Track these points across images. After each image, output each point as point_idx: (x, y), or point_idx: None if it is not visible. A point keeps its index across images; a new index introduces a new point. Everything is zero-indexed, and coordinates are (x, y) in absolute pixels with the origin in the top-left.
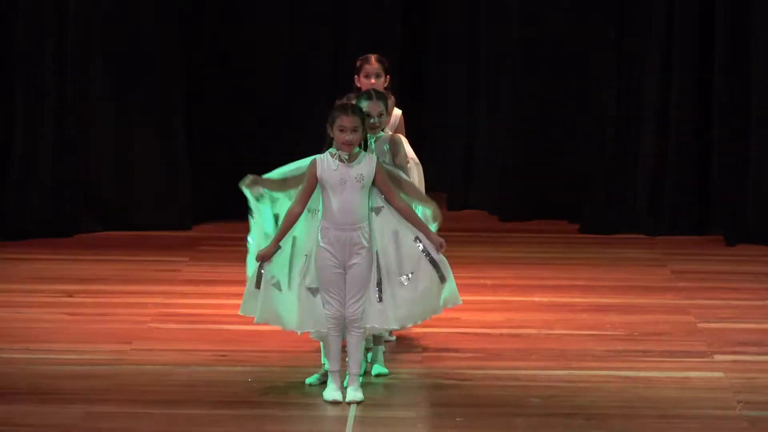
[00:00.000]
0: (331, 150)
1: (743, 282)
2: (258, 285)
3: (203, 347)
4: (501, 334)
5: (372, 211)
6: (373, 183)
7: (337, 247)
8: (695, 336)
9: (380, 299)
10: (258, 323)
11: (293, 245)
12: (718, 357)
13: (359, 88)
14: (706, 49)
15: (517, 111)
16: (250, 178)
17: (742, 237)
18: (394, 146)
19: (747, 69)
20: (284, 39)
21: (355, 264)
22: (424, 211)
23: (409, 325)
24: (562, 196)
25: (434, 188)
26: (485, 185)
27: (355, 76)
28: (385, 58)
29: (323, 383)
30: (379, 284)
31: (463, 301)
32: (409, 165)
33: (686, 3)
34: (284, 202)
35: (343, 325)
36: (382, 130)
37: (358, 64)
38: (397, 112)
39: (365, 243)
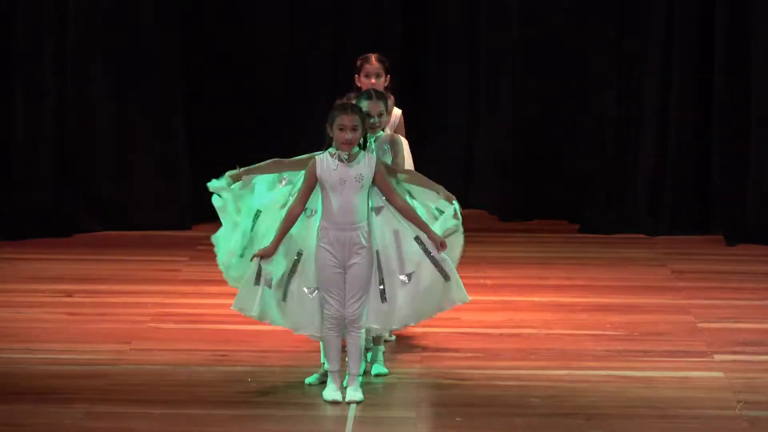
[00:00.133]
0: (330, 150)
1: (743, 282)
2: (257, 281)
3: (203, 347)
4: (501, 334)
5: (372, 211)
6: (373, 183)
7: (337, 247)
8: (695, 336)
9: (383, 300)
10: (257, 321)
11: (287, 245)
12: (718, 357)
13: (359, 88)
14: (706, 49)
15: (517, 111)
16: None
17: (742, 237)
18: (394, 146)
19: (747, 69)
20: (284, 39)
21: (354, 264)
22: (429, 211)
23: (412, 324)
24: (562, 196)
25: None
26: (485, 185)
27: (356, 76)
28: (385, 57)
29: (323, 383)
30: (382, 284)
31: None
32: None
33: (686, 3)
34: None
35: (342, 325)
36: (382, 130)
37: (358, 63)
38: (396, 112)
39: (365, 243)
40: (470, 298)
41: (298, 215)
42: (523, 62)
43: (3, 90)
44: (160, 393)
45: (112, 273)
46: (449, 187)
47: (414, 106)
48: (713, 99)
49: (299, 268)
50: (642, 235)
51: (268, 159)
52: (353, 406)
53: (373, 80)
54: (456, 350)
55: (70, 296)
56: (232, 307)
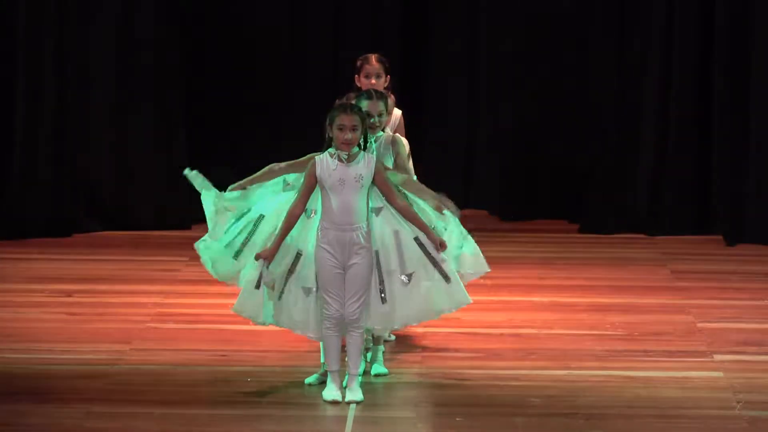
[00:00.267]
0: (330, 150)
1: (743, 282)
2: (258, 285)
3: (202, 347)
4: (501, 334)
5: (372, 211)
6: (373, 183)
7: (336, 248)
8: (695, 336)
9: (383, 300)
10: (262, 325)
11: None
12: (717, 357)
13: (359, 88)
14: (706, 49)
15: (517, 111)
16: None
17: (742, 237)
18: (395, 146)
19: (747, 69)
20: (284, 39)
21: (354, 264)
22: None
23: (414, 324)
24: (562, 196)
25: (435, 188)
26: (485, 185)
27: (356, 76)
28: (385, 58)
29: (323, 383)
30: (381, 285)
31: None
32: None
33: (686, 3)
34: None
35: (342, 326)
36: (382, 130)
37: (358, 64)
38: (397, 113)
39: (364, 243)
40: (471, 300)
41: (299, 216)
42: (523, 62)
43: (3, 90)
44: (160, 393)
45: (111, 273)
46: (449, 188)
47: (414, 105)
48: (713, 99)
49: (297, 268)
50: (642, 235)
51: (267, 158)
52: (353, 406)
53: (373, 80)
54: (456, 350)
55: (69, 296)
56: (232, 309)
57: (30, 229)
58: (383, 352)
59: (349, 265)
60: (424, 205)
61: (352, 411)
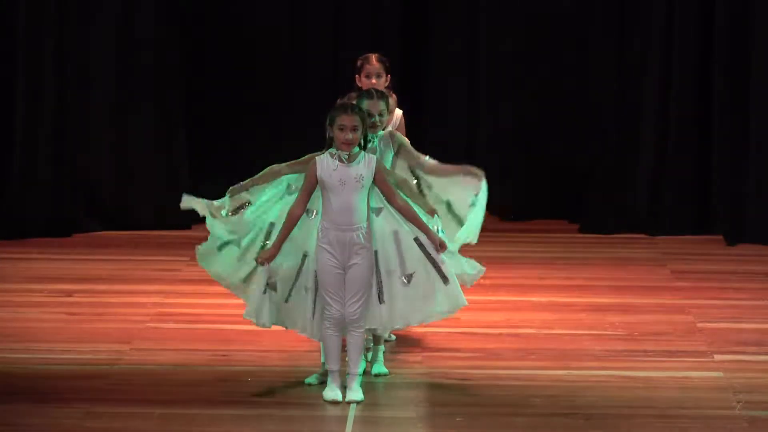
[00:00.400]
0: (330, 150)
1: (743, 282)
2: (264, 290)
3: (203, 347)
4: (501, 334)
5: (372, 211)
6: (373, 183)
7: (337, 248)
8: (695, 336)
9: (381, 301)
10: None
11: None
12: (717, 357)
13: (360, 88)
14: (706, 49)
15: (517, 111)
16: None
17: (742, 237)
18: (394, 139)
19: (747, 69)
20: (284, 39)
21: (355, 264)
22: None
23: (414, 324)
24: (562, 196)
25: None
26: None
27: (356, 76)
28: (385, 58)
29: (323, 383)
30: (380, 285)
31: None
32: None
33: (686, 3)
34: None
35: (342, 326)
36: (383, 130)
37: (358, 63)
38: (398, 112)
39: (365, 243)
40: (467, 302)
41: (299, 216)
42: (523, 62)
43: (3, 90)
44: (160, 393)
45: (111, 273)
46: None
47: (414, 105)
48: (713, 99)
49: (303, 270)
50: (642, 235)
51: (267, 158)
52: (353, 406)
53: (373, 80)
54: (456, 350)
55: (69, 296)
56: (245, 316)
57: (30, 229)
58: (383, 352)
59: (349, 265)
60: (416, 209)
61: (352, 411)
